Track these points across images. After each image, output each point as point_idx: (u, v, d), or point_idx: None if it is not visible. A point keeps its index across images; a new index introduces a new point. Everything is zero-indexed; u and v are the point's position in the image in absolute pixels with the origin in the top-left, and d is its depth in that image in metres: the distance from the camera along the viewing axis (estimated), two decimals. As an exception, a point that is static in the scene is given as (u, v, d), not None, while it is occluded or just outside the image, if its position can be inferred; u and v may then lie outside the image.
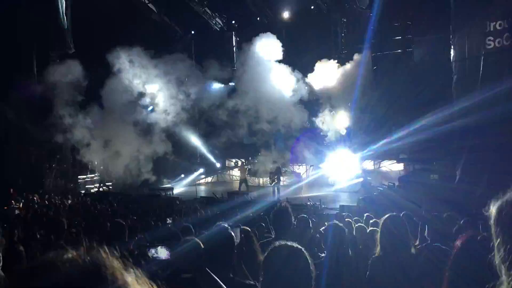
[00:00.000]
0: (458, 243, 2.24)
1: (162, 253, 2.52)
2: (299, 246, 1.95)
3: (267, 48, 19.56)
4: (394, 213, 3.43)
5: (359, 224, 7.38)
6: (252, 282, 2.76)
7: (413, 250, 3.08)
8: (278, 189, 17.99)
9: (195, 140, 23.37)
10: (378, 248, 3.25)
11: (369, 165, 22.61)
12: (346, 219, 8.94)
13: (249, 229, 3.53)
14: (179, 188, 21.84)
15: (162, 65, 20.28)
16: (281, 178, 18.55)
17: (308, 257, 1.91)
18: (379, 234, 3.32)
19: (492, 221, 1.33)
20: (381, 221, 3.35)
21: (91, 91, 19.47)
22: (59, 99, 18.92)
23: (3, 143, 18.54)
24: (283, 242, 1.97)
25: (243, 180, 20.11)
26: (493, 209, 1.35)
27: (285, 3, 22.30)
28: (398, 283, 2.85)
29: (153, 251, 2.58)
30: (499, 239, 1.30)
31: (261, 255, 2.98)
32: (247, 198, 16.97)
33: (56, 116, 18.87)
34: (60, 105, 18.95)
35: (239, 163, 24.59)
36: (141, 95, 20.68)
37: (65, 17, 18.14)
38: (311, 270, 1.90)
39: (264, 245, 4.40)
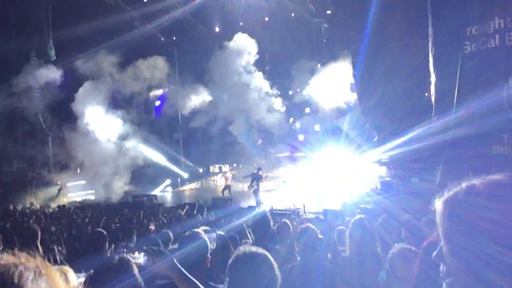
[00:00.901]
0: (425, 243, 2.29)
1: (138, 259, 2.52)
2: (264, 252, 1.94)
3: (241, 50, 19.55)
4: (362, 216, 3.55)
5: (339, 227, 7.43)
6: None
7: (379, 251, 3.19)
8: (256, 195, 17.85)
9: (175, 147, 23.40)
10: (348, 249, 3.38)
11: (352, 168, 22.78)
12: (339, 227, 8.98)
13: (224, 234, 3.56)
14: (162, 195, 21.76)
15: (137, 70, 20.19)
16: (260, 184, 18.40)
17: (273, 262, 1.91)
18: (347, 235, 3.46)
19: (438, 219, 1.26)
20: (349, 224, 3.48)
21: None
22: (34, 109, 18.76)
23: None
24: (247, 248, 1.96)
25: (227, 187, 20.10)
26: (439, 204, 1.27)
27: (266, 10, 22.48)
28: (365, 282, 2.91)
29: (129, 257, 2.57)
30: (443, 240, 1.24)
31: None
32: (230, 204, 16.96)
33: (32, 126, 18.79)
34: (34, 116, 18.80)
35: (223, 168, 24.61)
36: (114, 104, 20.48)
37: (45, 24, 18.02)
38: (276, 275, 1.91)
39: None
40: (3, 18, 18.37)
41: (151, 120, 22.12)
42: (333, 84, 20.13)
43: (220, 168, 25.27)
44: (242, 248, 1.98)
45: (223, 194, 19.63)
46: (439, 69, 13.00)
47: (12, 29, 18.91)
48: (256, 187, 17.83)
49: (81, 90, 19.32)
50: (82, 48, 19.66)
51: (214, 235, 3.22)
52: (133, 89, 20.52)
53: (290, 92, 22.57)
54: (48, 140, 20.34)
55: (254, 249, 1.97)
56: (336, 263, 3.69)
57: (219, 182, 24.48)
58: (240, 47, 19.67)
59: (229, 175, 20.67)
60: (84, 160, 19.93)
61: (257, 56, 20.10)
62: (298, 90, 21.93)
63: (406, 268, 2.52)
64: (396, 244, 3.30)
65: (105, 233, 5.68)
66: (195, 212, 14.97)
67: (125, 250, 4.53)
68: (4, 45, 18.33)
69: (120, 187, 20.61)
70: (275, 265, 1.92)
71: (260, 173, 18.47)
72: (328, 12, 20.76)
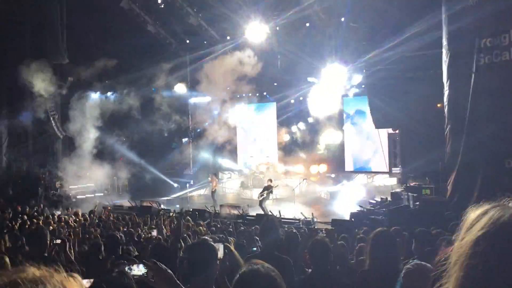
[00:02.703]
0: (437, 258, 2.21)
1: (138, 271, 2.47)
2: (272, 273, 1.83)
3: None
4: (385, 228, 3.46)
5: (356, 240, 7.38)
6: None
7: (401, 265, 3.10)
8: (263, 204, 17.74)
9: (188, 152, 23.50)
10: (368, 262, 3.29)
11: (362, 179, 22.66)
12: (342, 235, 8.93)
13: (229, 244, 3.51)
14: (171, 200, 21.78)
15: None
16: (271, 193, 18.30)
17: (280, 282, 1.79)
18: (368, 248, 3.36)
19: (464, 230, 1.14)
20: (371, 235, 3.39)
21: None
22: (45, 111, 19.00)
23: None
24: (254, 266, 1.84)
25: (213, 192, 20.13)
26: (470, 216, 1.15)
27: (279, 17, 22.49)
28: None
29: (129, 268, 2.53)
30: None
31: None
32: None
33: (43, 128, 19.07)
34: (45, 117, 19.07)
35: (232, 176, 24.60)
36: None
37: (59, 26, 18.20)
38: None
39: (250, 259, 4.38)
40: (18, 21, 18.61)
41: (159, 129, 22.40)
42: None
43: (229, 174, 25.29)
44: (248, 266, 1.85)
45: (213, 199, 19.65)
46: (452, 80, 12.94)
47: (26, 31, 19.15)
48: (265, 195, 17.76)
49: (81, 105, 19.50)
50: (94, 53, 19.82)
51: (221, 244, 3.15)
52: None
53: (292, 101, 22.63)
54: (59, 142, 20.48)
55: (262, 268, 1.84)
56: (351, 276, 3.60)
57: (228, 188, 24.49)
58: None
59: (215, 178, 20.65)
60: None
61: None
62: (301, 98, 21.96)
63: (421, 286, 2.44)
64: (411, 260, 3.21)
65: (118, 236, 5.66)
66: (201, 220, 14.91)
67: (125, 262, 4.49)
68: (19, 47, 18.58)
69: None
70: (283, 284, 1.80)
71: (271, 184, 18.37)
72: (342, 19, 20.70)
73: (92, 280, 2.36)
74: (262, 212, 16.99)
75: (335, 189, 20.64)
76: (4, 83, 18.17)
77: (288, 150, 23.65)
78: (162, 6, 21.49)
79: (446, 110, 13.19)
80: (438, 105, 14.64)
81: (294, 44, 20.83)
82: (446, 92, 13.10)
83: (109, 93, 21.78)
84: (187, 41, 24.64)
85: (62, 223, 12.80)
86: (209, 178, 20.76)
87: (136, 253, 6.43)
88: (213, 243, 2.85)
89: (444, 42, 12.98)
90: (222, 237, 7.25)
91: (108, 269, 3.93)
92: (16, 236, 9.49)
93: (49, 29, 18.17)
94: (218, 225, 12.71)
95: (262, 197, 17.74)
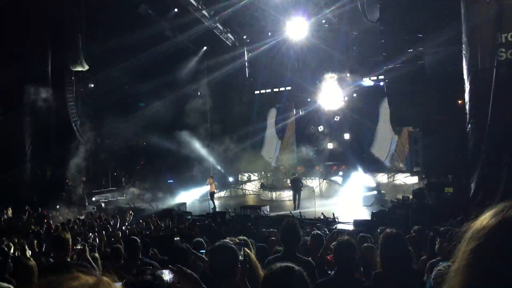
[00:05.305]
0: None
1: (163, 276, 2.48)
2: (298, 268, 1.86)
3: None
4: (393, 229, 3.40)
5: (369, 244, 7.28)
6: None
7: (414, 266, 3.07)
8: (299, 199, 18.01)
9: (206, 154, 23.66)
10: (379, 264, 3.26)
11: (383, 178, 22.43)
12: (360, 234, 8.82)
13: (250, 247, 3.50)
14: (192, 202, 21.90)
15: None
16: (302, 189, 18.63)
17: (307, 281, 1.81)
18: (379, 250, 3.32)
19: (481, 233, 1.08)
20: (380, 237, 3.34)
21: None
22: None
23: (20, 160, 18.86)
24: (282, 265, 1.88)
25: (211, 194, 20.12)
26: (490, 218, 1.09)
27: (296, 17, 22.45)
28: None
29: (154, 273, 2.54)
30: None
31: (262, 271, 2.97)
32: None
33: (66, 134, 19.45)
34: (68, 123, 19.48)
35: (252, 177, 24.57)
36: None
37: (78, 34, 18.46)
38: None
39: (272, 261, 4.37)
40: (38, 29, 18.95)
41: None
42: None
43: (249, 177, 25.33)
44: (276, 264, 1.87)
45: (212, 201, 19.85)
46: (473, 76, 12.70)
47: (45, 39, 19.50)
48: (298, 190, 18.34)
49: None
50: (114, 60, 20.10)
51: (240, 246, 3.14)
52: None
53: (318, 101, 22.63)
54: (81, 147, 20.77)
55: (289, 265, 1.87)
56: (368, 278, 3.56)
57: (248, 190, 24.54)
58: None
59: (212, 181, 20.60)
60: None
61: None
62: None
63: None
64: (440, 263, 3.16)
65: (138, 240, 5.69)
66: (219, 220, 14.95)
67: (150, 267, 4.50)
68: (39, 55, 18.96)
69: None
70: (309, 283, 1.82)
71: (296, 175, 18.86)
72: (357, 19, 20.58)
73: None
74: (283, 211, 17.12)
75: (355, 188, 20.44)
76: (26, 90, 18.50)
77: (307, 151, 23.58)
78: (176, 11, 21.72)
79: (467, 106, 12.94)
80: (459, 101, 14.38)
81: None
82: (467, 89, 12.86)
83: None
84: (204, 47, 24.90)
85: (87, 227, 12.99)
86: (208, 180, 20.68)
87: (162, 257, 6.45)
88: (234, 246, 2.85)
89: (464, 38, 12.76)
90: (242, 239, 7.23)
91: (134, 274, 3.95)
92: (41, 241, 9.67)
93: (68, 36, 18.44)
94: (238, 227, 12.72)
95: (301, 190, 18.56)
